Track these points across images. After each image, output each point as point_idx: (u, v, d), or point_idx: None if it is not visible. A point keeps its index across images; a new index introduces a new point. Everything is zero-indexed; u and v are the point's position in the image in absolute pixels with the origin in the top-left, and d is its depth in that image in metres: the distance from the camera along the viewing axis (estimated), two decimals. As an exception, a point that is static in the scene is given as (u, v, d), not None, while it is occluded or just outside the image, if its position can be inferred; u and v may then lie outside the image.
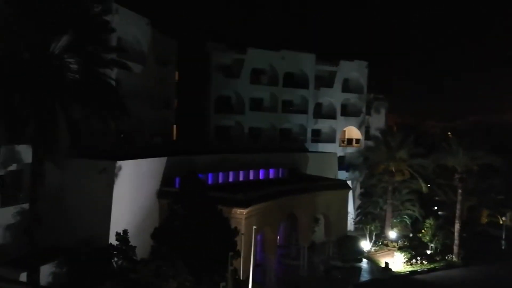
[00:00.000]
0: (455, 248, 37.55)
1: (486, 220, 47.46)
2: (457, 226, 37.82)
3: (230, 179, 33.51)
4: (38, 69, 17.57)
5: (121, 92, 25.11)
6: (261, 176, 36.39)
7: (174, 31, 39.17)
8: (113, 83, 25.52)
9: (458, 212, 38.27)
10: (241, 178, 34.45)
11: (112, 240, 21.06)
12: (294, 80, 46.49)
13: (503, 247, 41.55)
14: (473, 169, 38.38)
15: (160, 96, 36.62)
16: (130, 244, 20.28)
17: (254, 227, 25.63)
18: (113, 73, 26.78)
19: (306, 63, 46.16)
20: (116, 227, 21.88)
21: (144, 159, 26.84)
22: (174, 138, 40.63)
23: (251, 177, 35.40)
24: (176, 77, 40.68)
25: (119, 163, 24.16)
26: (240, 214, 25.39)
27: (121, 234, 20.45)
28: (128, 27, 31.75)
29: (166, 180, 28.04)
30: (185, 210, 21.27)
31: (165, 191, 27.18)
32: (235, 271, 22.04)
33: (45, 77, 17.49)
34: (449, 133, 59.37)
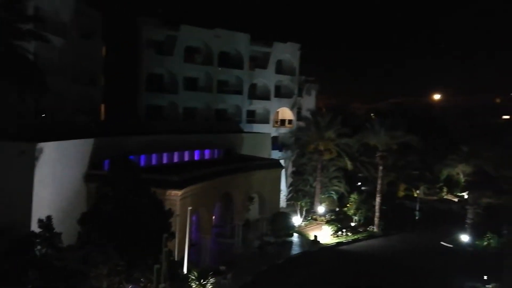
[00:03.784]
0: (376, 220, 41.17)
1: (403, 193, 52.37)
2: (377, 200, 41.37)
3: (164, 161, 32.80)
4: None
5: (41, 67, 23.05)
6: (196, 157, 36.11)
7: (101, 3, 36.41)
8: (31, 57, 23.34)
9: (378, 187, 41.82)
10: (175, 160, 33.88)
11: (35, 227, 19.65)
12: (229, 60, 46.23)
13: (416, 218, 46.29)
14: (392, 147, 41.95)
15: (85, 71, 34.16)
16: (54, 230, 19.08)
17: (189, 208, 25.66)
18: (31, 46, 24.50)
19: (241, 43, 46.06)
20: (39, 213, 20.38)
21: (68, 141, 25.10)
22: (102, 117, 38.41)
23: (186, 158, 34.97)
24: (103, 52, 38.14)
25: (40, 144, 22.34)
26: (174, 195, 25.13)
27: (44, 220, 19.14)
28: (47, -4, 28.87)
29: (94, 162, 26.61)
30: (115, 193, 20.46)
31: (93, 174, 25.83)
32: (170, 252, 21.91)
33: None
34: (372, 115, 63.88)
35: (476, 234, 38.36)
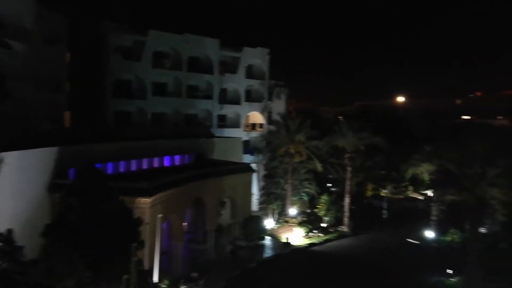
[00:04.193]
0: (346, 220, 42.08)
1: (371, 193, 53.70)
2: (346, 200, 42.30)
3: (133, 168, 32.22)
4: None
5: (1, 73, 22.18)
6: (166, 163, 35.68)
7: (65, 8, 35.37)
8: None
9: (347, 187, 42.81)
10: (144, 166, 33.33)
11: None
12: (199, 65, 46.04)
13: (384, 216, 47.62)
14: (360, 149, 43.05)
15: (49, 78, 33.06)
16: (16, 244, 18.33)
17: (159, 215, 25.33)
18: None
19: (210, 48, 46.00)
20: (-1, 226, 19.54)
21: (30, 150, 24.24)
22: (68, 125, 37.27)
23: (155, 165, 34.48)
24: (68, 58, 37.07)
25: (0, 155, 21.45)
26: (144, 203, 24.73)
27: (5, 234, 18.35)
28: (8, 1, 27.86)
29: (59, 172, 25.80)
30: (81, 202, 19.91)
31: (57, 184, 25.03)
32: (140, 262, 21.52)
33: None
34: (340, 117, 65.31)
35: (441, 230, 39.91)
